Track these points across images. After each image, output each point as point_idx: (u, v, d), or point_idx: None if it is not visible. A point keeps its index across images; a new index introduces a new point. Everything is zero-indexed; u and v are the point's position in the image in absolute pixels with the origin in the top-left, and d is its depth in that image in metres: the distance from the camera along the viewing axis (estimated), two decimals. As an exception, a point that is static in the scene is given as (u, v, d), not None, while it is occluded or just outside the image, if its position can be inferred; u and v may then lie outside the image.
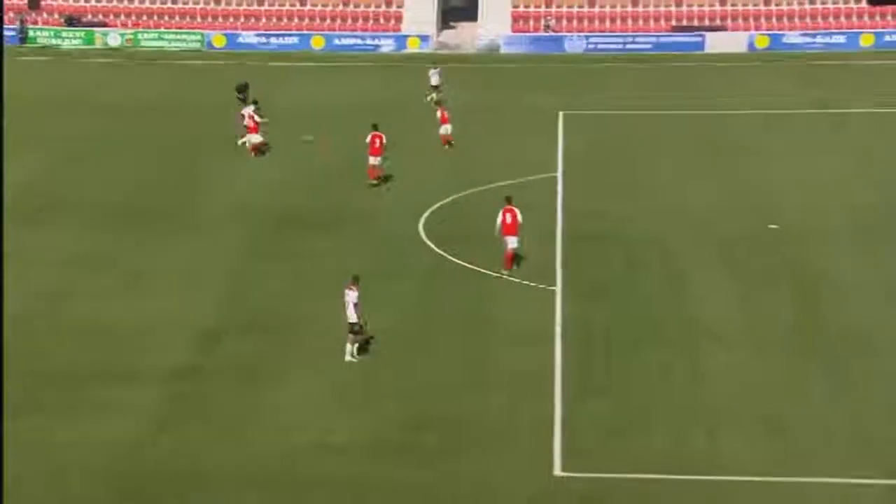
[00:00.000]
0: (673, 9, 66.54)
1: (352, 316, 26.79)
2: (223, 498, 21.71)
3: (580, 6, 66.94)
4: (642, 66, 60.80)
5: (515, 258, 31.90)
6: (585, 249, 33.91)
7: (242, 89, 48.62)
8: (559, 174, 41.50)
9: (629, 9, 66.63)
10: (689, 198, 38.63)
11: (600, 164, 42.88)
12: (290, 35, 65.49)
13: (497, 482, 21.97)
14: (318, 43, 65.24)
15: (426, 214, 37.12)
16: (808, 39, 64.20)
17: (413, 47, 65.31)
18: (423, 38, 65.53)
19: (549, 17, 66.58)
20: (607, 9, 66.72)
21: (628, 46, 64.87)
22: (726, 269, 32.45)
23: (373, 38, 65.77)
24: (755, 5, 65.99)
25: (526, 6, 66.96)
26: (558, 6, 67.01)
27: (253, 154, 43.43)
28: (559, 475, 22.16)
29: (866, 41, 63.73)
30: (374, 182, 39.77)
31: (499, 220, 31.74)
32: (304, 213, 37.48)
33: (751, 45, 64.30)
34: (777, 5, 65.97)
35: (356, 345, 26.85)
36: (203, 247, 34.38)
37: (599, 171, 42.16)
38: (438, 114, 45.18)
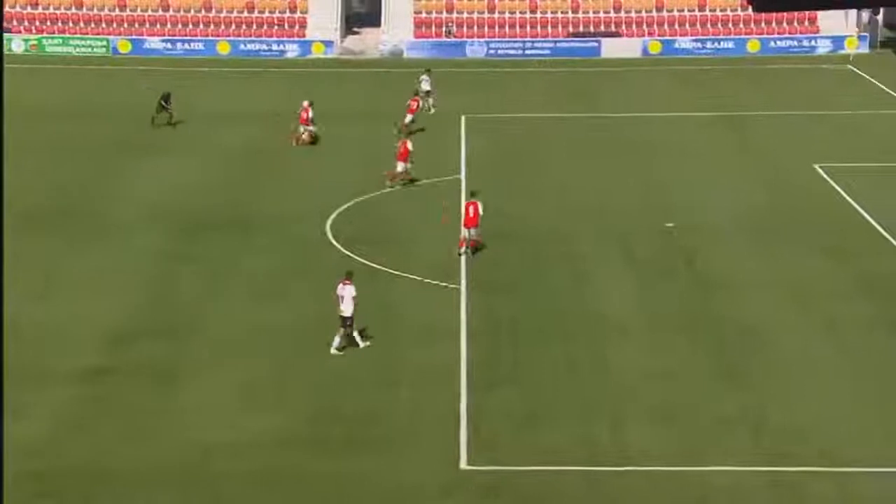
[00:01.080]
0: (570, 15, 67.94)
1: (346, 311, 27.25)
2: (133, 496, 21.82)
3: (480, 12, 68.08)
4: (541, 71, 62.12)
5: (476, 245, 33.76)
6: (489, 248, 34.73)
7: (167, 98, 48.62)
8: (462, 175, 42.38)
9: (528, 15, 67.90)
10: (589, 197, 39.57)
11: (502, 166, 43.70)
12: (196, 41, 65.63)
13: (404, 476, 22.32)
14: (224, 48, 65.52)
15: (333, 216, 37.64)
16: (699, 45, 66.04)
17: (317, 52, 65.97)
18: (328, 44, 66.15)
19: (450, 24, 67.59)
20: (507, 15, 67.93)
21: (527, 52, 66.20)
22: (626, 265, 33.36)
23: (278, 43, 66.17)
24: (648, 12, 67.62)
25: (428, 12, 67.85)
26: (459, 12, 68.07)
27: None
28: (465, 468, 22.54)
29: (753, 47, 65.76)
30: (400, 183, 40.47)
31: (462, 211, 34.11)
32: (214, 215, 37.66)
33: (644, 51, 65.96)
34: (669, 12, 67.75)
35: (343, 338, 27.34)
36: (115, 249, 34.55)
37: (502, 171, 42.93)
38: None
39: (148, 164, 43.42)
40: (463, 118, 50.56)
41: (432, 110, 49.23)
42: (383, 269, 33.11)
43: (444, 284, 31.95)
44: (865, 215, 37.39)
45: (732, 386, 25.99)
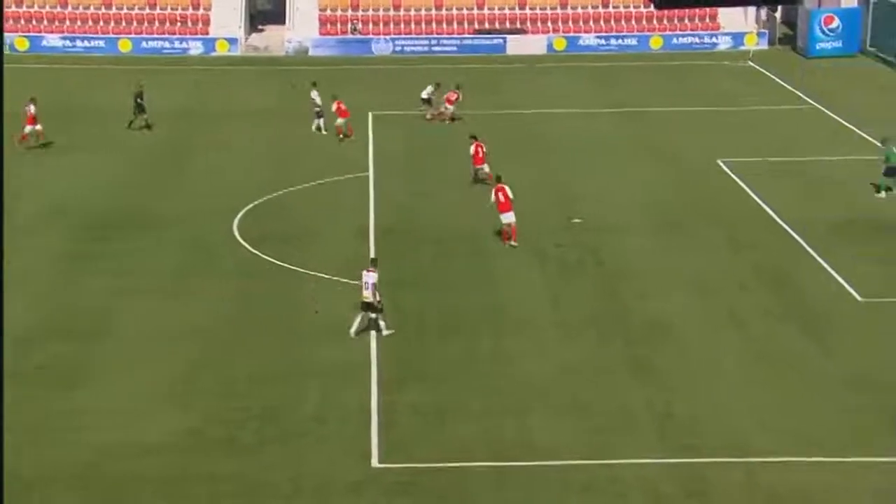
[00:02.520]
0: (475, 12, 68.22)
1: (369, 296, 27.82)
2: (35, 500, 21.51)
3: (386, 10, 68.03)
4: (447, 68, 62.26)
5: (516, 231, 34.18)
6: (397, 244, 34.73)
7: (140, 95, 47.78)
8: (370, 172, 42.40)
9: (433, 12, 68.02)
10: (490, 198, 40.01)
11: (410, 162, 43.80)
12: (96, 38, 64.63)
13: (315, 474, 22.26)
14: (125, 46, 64.60)
15: (240, 214, 37.45)
16: (603, 42, 66.70)
17: (222, 50, 65.37)
18: (232, 42, 65.61)
19: (355, 21, 67.44)
20: (412, 12, 67.97)
21: (434, 49, 66.32)
22: (533, 261, 33.52)
23: (181, 41, 65.46)
24: (553, 9, 68.11)
25: (333, 10, 67.63)
26: (364, 10, 67.95)
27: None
28: (376, 466, 22.55)
29: (656, 43, 66.60)
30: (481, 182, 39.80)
31: (492, 198, 34.48)
32: (119, 214, 37.23)
33: (549, 48, 66.48)
34: (573, 9, 68.32)
35: (366, 320, 28.01)
36: (17, 250, 34.04)
37: (409, 168, 43.08)
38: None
39: (50, 163, 42.73)
40: (370, 115, 50.54)
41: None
42: (291, 267, 32.99)
43: (352, 282, 31.89)
44: (766, 208, 38.08)
45: (639, 378, 26.29)
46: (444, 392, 25.64)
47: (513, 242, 34.28)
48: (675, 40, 66.54)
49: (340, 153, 44.70)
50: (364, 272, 28.37)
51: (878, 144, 41.27)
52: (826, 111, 51.32)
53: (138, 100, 47.06)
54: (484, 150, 39.41)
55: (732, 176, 41.73)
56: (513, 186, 36.82)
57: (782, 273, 32.67)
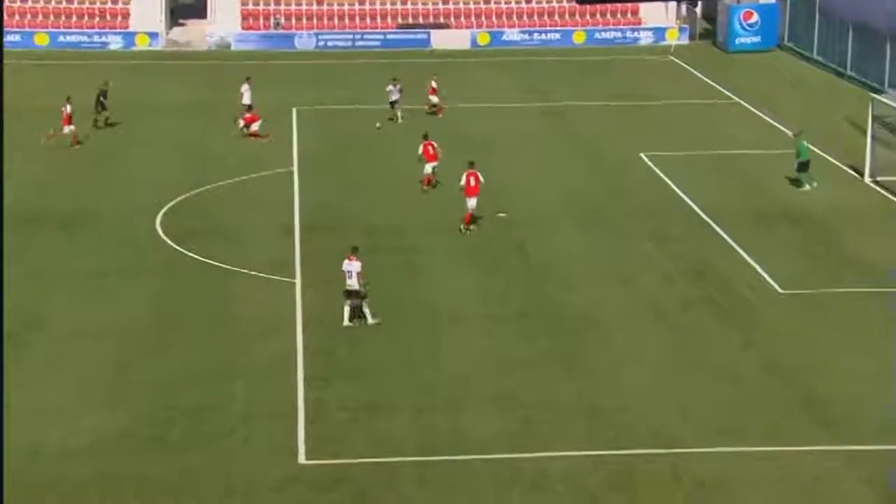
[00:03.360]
0: (399, 6, 68.17)
1: (353, 284, 27.81)
2: None
3: (309, 4, 67.71)
4: (371, 63, 62.19)
5: (473, 218, 35.13)
6: (324, 240, 34.68)
7: (104, 94, 47.08)
8: (295, 168, 42.24)
9: (357, 7, 67.86)
10: (421, 188, 40.04)
11: (335, 158, 43.72)
12: (11, 32, 63.57)
13: (242, 471, 22.16)
14: (41, 40, 63.65)
15: (163, 211, 37.13)
16: (526, 37, 67.04)
17: (142, 45, 64.69)
18: (152, 36, 64.93)
19: (278, 15, 67.10)
20: (336, 7, 67.74)
21: (357, 43, 66.19)
22: (460, 255, 33.63)
23: (100, 35, 64.66)
24: (476, 4, 68.25)
25: (255, 4, 67.22)
26: (287, 4, 67.60)
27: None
28: (304, 462, 22.49)
29: (579, 38, 67.10)
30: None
31: (462, 181, 35.00)
32: (38, 213, 36.63)
33: (473, 42, 66.69)
34: (497, 4, 68.49)
35: (356, 309, 28.08)
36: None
37: (334, 164, 43.01)
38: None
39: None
40: (294, 111, 50.36)
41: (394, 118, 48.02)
42: (217, 264, 32.77)
43: (278, 278, 31.79)
44: (688, 201, 38.55)
45: (566, 371, 26.48)
46: (372, 387, 25.63)
47: (470, 227, 35.11)
48: (597, 35, 67.04)
49: (265, 149, 44.46)
50: (345, 261, 28.46)
51: (792, 138, 41.95)
52: (746, 105, 52.04)
53: (101, 98, 46.58)
54: (435, 147, 39.19)
55: (655, 169, 42.18)
56: (437, 181, 36.97)
57: (704, 265, 33.09)
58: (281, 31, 66.50)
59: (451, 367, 26.69)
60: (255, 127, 45.82)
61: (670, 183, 40.51)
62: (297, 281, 31.63)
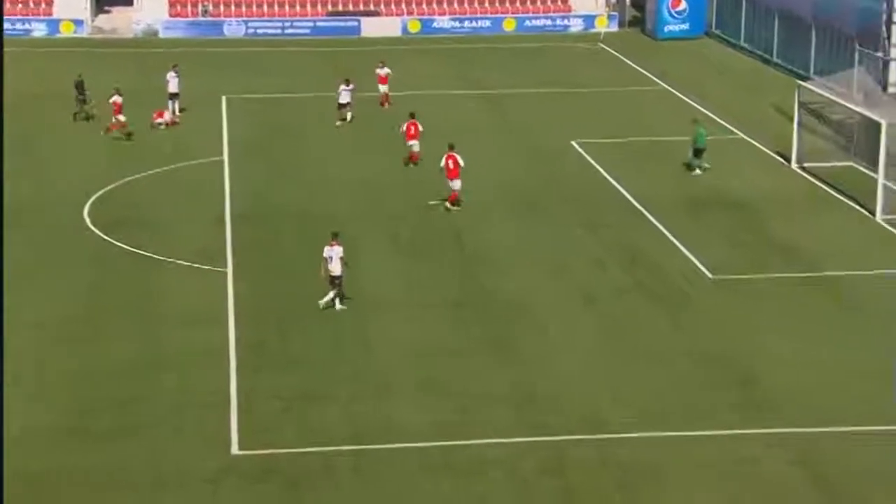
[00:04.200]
0: (329, -6, 67.91)
1: (335, 270, 27.95)
2: None
3: (238, -10, 67.24)
4: (301, 50, 61.89)
5: (455, 199, 35.99)
6: (255, 229, 34.51)
7: (80, 86, 46.18)
8: (225, 157, 41.93)
9: (287, -7, 67.50)
10: (353, 176, 39.71)
11: (266, 146, 43.48)
12: (-72, 18, 62.42)
13: (174, 462, 22.04)
14: (-39, 27, 62.52)
15: (91, 201, 36.74)
16: (457, 24, 67.06)
17: (66, 32, 63.78)
18: (77, 23, 64.04)
19: (206, 3, 66.46)
20: (265, -7, 67.35)
21: (287, 31, 65.79)
22: (392, 244, 33.59)
23: (23, 22, 63.63)
24: (407, -9, 68.29)
25: (183, -10, 66.62)
26: (216, -10, 67.06)
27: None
28: (237, 453, 22.39)
29: (509, 25, 67.25)
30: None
31: (442, 163, 35.80)
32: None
33: (404, 30, 66.58)
34: (428, -9, 68.54)
35: (339, 296, 28.43)
36: None
37: (265, 152, 42.76)
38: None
39: None
40: (224, 98, 49.99)
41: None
42: (146, 254, 32.45)
43: (209, 268, 31.56)
44: (620, 188, 38.79)
45: (499, 359, 26.56)
46: (305, 376, 25.55)
47: (454, 207, 35.89)
48: (527, 23, 67.21)
49: (194, 138, 44.08)
50: (327, 247, 28.62)
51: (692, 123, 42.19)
52: (675, 92, 52.45)
53: (78, 90, 45.88)
54: (418, 127, 40.18)
55: (586, 156, 42.39)
56: (369, 169, 36.88)
57: (635, 251, 33.33)
58: (209, 19, 65.92)
59: (383, 356, 26.65)
60: (166, 117, 45.48)
61: (601, 170, 40.74)
62: (229, 270, 31.42)
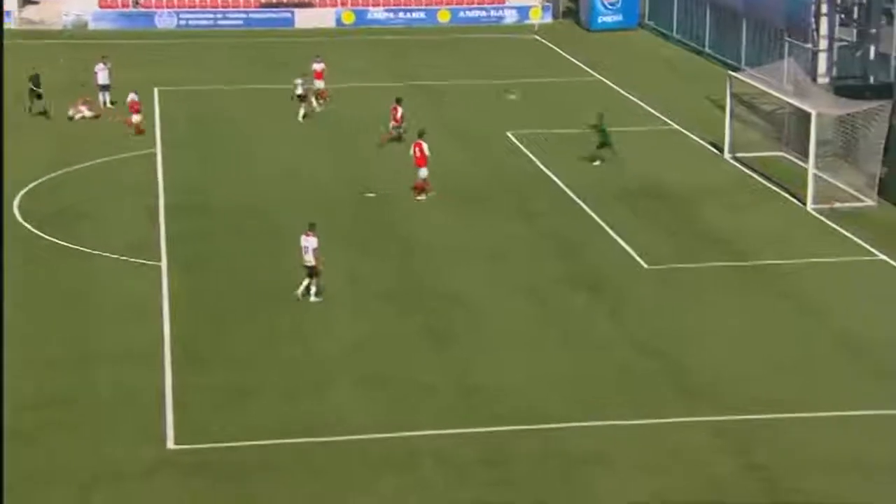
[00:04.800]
0: (262, -16, 67.40)
1: (310, 260, 28.22)
2: None
3: (169, -19, 66.55)
4: (234, 42, 61.42)
5: (423, 188, 36.35)
6: (189, 222, 34.18)
7: (37, 81, 45.27)
8: (158, 149, 41.55)
9: (219, -15, 66.92)
10: (289, 170, 39.52)
11: (199, 139, 43.16)
12: None
13: (108, 458, 21.79)
14: None
15: (21, 195, 36.23)
16: (391, 15, 66.89)
17: (-6, 23, 62.73)
18: (4, 14, 62.92)
19: (137, -7, 65.79)
20: (197, -16, 66.71)
21: (220, 22, 65.22)
22: (328, 237, 33.25)
23: (-52, 13, 62.52)
24: (341, -19, 67.97)
25: (113, -19, 65.82)
26: (146, -19, 66.32)
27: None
28: (172, 447, 22.20)
29: (444, 17, 67.20)
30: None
31: (411, 152, 36.49)
32: None
33: (338, 21, 66.28)
34: (362, -18, 68.26)
35: (313, 286, 28.59)
36: None
37: (198, 145, 42.44)
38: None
39: None
40: (156, 91, 49.49)
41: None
42: (78, 247, 32.05)
43: (143, 262, 31.24)
44: (555, 179, 38.92)
45: (437, 350, 26.51)
46: (242, 371, 25.34)
47: (422, 197, 36.17)
48: (462, 14, 67.19)
49: (123, 129, 43.58)
50: (303, 237, 28.60)
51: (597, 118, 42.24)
52: (609, 83, 52.72)
53: (33, 86, 45.09)
54: (400, 112, 41.27)
55: (522, 147, 42.48)
56: (304, 162, 36.59)
57: (572, 242, 33.44)
58: (140, 10, 65.18)
59: (319, 349, 26.51)
60: (84, 112, 44.96)
61: (537, 161, 40.85)
62: (163, 264, 31.10)
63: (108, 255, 31.66)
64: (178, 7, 65.47)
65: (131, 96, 43.82)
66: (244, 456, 21.99)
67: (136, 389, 24.45)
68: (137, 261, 31.25)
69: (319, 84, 48.17)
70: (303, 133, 44.12)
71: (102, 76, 46.55)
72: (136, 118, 43.25)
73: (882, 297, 29.84)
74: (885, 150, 36.68)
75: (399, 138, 41.15)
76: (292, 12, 65.88)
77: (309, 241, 28.70)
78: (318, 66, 48.33)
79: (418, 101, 49.24)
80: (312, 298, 28.72)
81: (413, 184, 36.62)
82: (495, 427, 23.10)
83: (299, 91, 45.57)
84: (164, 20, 64.65)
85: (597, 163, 40.22)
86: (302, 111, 45.48)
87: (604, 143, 40.44)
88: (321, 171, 39.62)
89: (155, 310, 28.27)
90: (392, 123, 41.93)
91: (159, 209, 35.37)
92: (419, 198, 36.41)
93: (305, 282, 28.80)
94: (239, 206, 35.82)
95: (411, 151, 36.63)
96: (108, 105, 46.36)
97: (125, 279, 30.20)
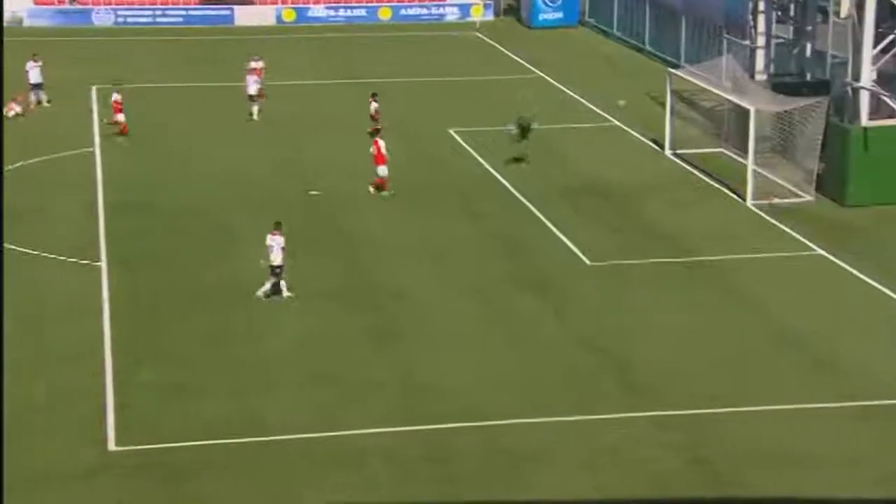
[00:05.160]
0: (202, -18, 66.92)
1: (276, 259, 28.24)
2: None
3: (106, -22, 65.88)
4: (173, 39, 60.93)
5: (381, 184, 36.70)
6: (129, 221, 33.88)
7: None
8: (97, 148, 41.15)
9: (157, -19, 66.36)
10: (230, 168, 39.27)
11: (139, 137, 42.79)
12: None
13: (49, 461, 21.58)
14: None
15: (-44, 195, 35.76)
16: (332, 13, 66.69)
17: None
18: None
19: (74, -10, 65.07)
20: (135, -19, 66.11)
21: (158, 19, 64.66)
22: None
23: None
24: (282, -21, 67.67)
25: (49, -22, 65.06)
26: (83, -22, 65.61)
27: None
28: (114, 450, 22.00)
29: (385, 14, 67.11)
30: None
31: (371, 149, 36.86)
32: None
33: (278, 19, 65.97)
34: (302, -21, 67.98)
35: (272, 285, 28.51)
36: None
37: (139, 143, 42.08)
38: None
39: None
40: (94, 89, 48.96)
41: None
42: (16, 248, 31.62)
43: (82, 262, 30.91)
44: (498, 177, 38.99)
45: (381, 348, 26.46)
46: (184, 370, 25.17)
47: (381, 192, 36.39)
48: (403, 11, 67.13)
49: (62, 128, 43.10)
50: (269, 235, 28.56)
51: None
52: (550, 80, 52.90)
53: None
54: (374, 107, 42.43)
55: (465, 145, 42.51)
56: (247, 160, 36.28)
57: (515, 240, 33.51)
58: (77, 7, 64.47)
59: (264, 347, 26.37)
60: (16, 110, 44.40)
61: (480, 159, 40.89)
62: (103, 263, 30.80)
63: (46, 254, 31.31)
64: (116, 4, 64.83)
65: (115, 96, 43.22)
66: (187, 456, 21.83)
67: (75, 391, 24.21)
68: (77, 260, 30.92)
69: (257, 83, 47.84)
70: (244, 131, 43.85)
71: (34, 74, 45.94)
72: (119, 117, 42.68)
73: (819, 291, 30.20)
74: (823, 146, 37.11)
75: (377, 132, 40.45)
76: (232, 9, 65.47)
77: (275, 240, 28.64)
78: (256, 65, 48.03)
79: (361, 99, 49.15)
80: (286, 294, 28.65)
81: (372, 181, 36.63)
82: (440, 424, 23.07)
83: (251, 91, 45.20)
84: (102, 17, 64.01)
85: (524, 164, 40.10)
86: (256, 108, 45.06)
87: (524, 137, 40.08)
88: (264, 169, 39.41)
89: (95, 309, 28.00)
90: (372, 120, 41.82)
91: (98, 208, 35.03)
92: (373, 191, 36.49)
93: (269, 282, 28.61)
94: (179, 205, 35.58)
95: (371, 149, 36.76)
96: (45, 104, 45.79)
97: (64, 280, 29.88)
